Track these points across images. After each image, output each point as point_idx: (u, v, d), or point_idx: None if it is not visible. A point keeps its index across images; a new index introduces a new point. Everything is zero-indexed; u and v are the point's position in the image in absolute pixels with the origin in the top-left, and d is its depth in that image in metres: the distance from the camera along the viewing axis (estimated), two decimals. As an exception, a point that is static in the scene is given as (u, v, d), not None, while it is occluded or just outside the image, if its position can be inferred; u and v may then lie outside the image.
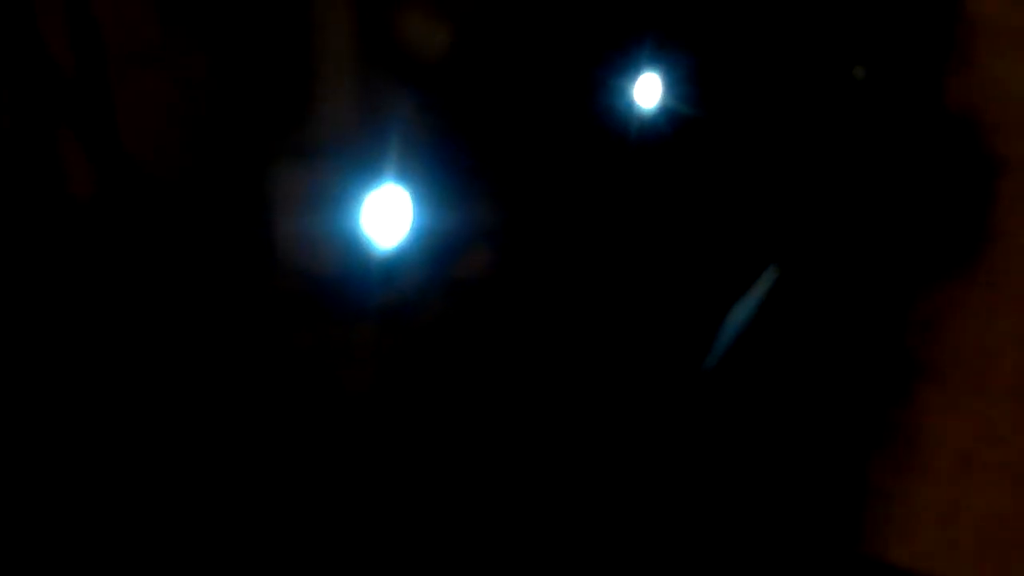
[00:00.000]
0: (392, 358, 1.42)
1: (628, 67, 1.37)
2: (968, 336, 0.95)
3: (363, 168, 1.31)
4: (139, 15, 1.24)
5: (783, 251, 1.26)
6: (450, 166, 1.37)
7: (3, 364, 1.13)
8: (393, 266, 1.35)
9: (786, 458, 1.20)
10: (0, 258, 1.17)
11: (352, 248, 1.31)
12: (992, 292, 0.92)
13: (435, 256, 1.40)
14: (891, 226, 1.12)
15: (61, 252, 1.22)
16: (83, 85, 1.22)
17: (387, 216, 1.32)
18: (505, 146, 1.40)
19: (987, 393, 0.93)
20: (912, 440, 0.99)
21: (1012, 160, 0.90)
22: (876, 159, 1.16)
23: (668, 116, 1.38)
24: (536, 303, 1.47)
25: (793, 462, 1.19)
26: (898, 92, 1.09)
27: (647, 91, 1.40)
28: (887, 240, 1.12)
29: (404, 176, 1.33)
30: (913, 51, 1.06)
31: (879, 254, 1.13)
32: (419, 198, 1.34)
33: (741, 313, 1.21)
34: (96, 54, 1.22)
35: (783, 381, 1.22)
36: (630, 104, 1.38)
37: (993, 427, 0.89)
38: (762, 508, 1.21)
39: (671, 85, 1.39)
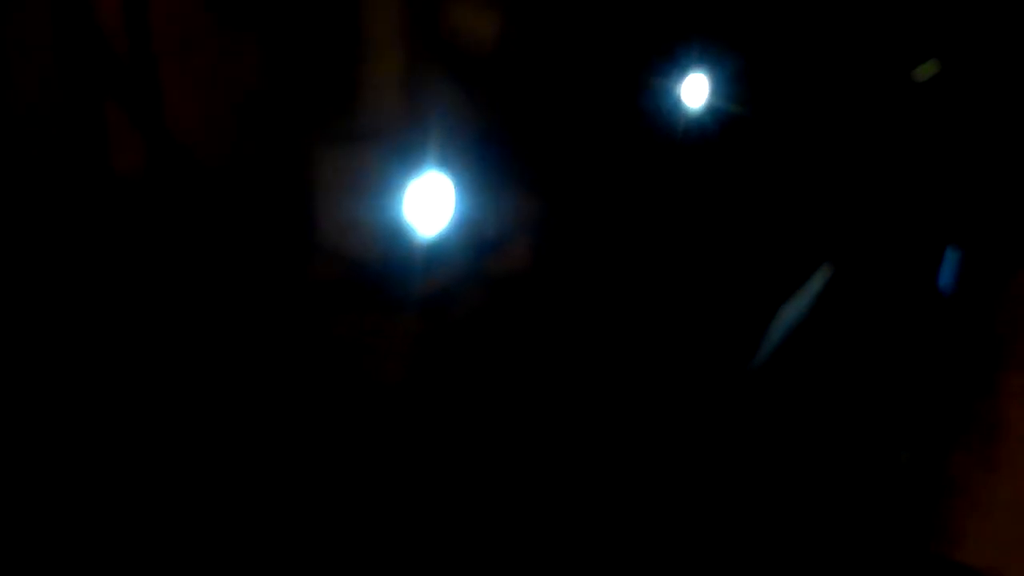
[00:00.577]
0: (432, 346, 1.42)
1: (675, 65, 1.36)
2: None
3: (408, 156, 1.31)
4: (184, 4, 1.26)
5: (837, 249, 1.24)
6: (494, 158, 1.37)
7: (48, 329, 1.15)
8: (434, 254, 1.35)
9: (845, 455, 1.18)
10: (48, 229, 1.18)
11: (395, 235, 1.32)
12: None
13: (476, 246, 1.40)
14: (958, 218, 1.10)
15: (106, 224, 1.23)
16: (134, 65, 1.24)
17: (430, 204, 1.32)
18: (549, 140, 1.40)
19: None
20: (992, 432, 0.95)
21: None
22: (938, 154, 1.14)
23: (716, 115, 1.37)
24: (577, 298, 1.46)
25: (854, 458, 1.17)
26: (966, 92, 1.08)
27: (695, 90, 1.39)
28: (956, 231, 1.10)
29: (448, 166, 1.33)
30: (989, 49, 1.04)
31: (945, 245, 1.11)
32: (462, 188, 1.34)
33: (793, 312, 1.19)
34: (145, 36, 1.24)
35: (847, 376, 1.20)
36: (677, 102, 1.37)
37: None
38: (826, 505, 1.19)
39: (720, 84, 1.38)
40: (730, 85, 1.39)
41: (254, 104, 1.33)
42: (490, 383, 1.50)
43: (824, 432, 1.19)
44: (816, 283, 1.17)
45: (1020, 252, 1.02)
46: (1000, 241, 1.07)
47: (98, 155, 1.21)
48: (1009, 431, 0.94)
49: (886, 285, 1.17)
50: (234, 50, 1.32)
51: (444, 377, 1.48)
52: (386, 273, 1.33)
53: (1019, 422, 0.96)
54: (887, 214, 1.19)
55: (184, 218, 1.29)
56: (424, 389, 1.46)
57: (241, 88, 1.32)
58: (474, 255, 1.41)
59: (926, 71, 1.06)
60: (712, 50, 1.38)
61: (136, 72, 1.25)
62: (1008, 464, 0.94)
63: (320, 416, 1.37)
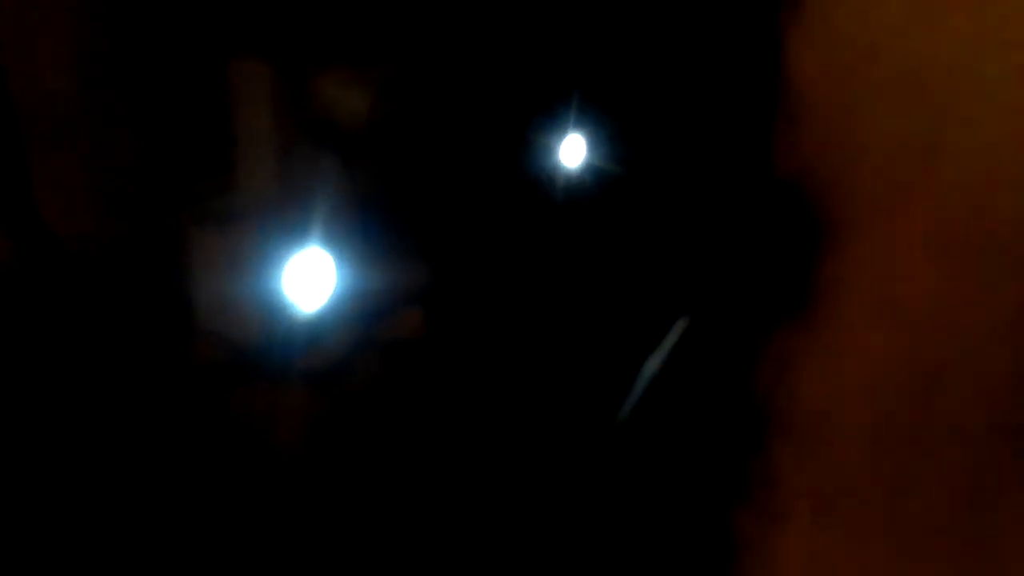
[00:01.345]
0: (321, 420, 1.42)
1: (552, 127, 1.39)
2: (814, 385, 0.95)
3: (284, 233, 1.32)
4: (56, 87, 1.26)
5: (692, 302, 1.27)
6: (375, 228, 1.39)
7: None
8: (317, 327, 1.36)
9: (664, 507, 1.21)
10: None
11: (275, 311, 1.32)
12: (834, 339, 0.94)
13: (360, 318, 1.40)
14: (739, 280, 1.14)
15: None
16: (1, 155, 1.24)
17: (309, 279, 1.32)
18: (431, 207, 1.42)
19: (837, 441, 0.93)
20: (772, 489, 0.98)
21: (843, 218, 0.91)
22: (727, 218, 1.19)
23: (591, 174, 1.40)
24: (465, 362, 1.47)
25: (670, 511, 1.20)
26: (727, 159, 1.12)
27: (573, 151, 1.42)
28: (739, 292, 1.14)
29: (326, 239, 1.34)
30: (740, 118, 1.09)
31: (735, 305, 1.14)
32: (342, 261, 1.34)
33: (653, 365, 1.22)
34: (11, 126, 1.23)
35: (672, 432, 1.23)
36: (556, 163, 1.40)
37: (848, 476, 0.89)
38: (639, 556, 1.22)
39: (597, 144, 1.41)
40: (606, 145, 1.42)
41: (127, 188, 1.33)
42: (387, 448, 1.51)
43: (653, 485, 1.22)
44: (672, 336, 1.20)
45: (774, 313, 1.04)
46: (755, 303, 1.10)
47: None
48: (784, 488, 0.96)
49: (715, 337, 1.20)
50: (107, 134, 1.32)
51: (340, 444, 1.48)
52: (268, 349, 1.33)
53: (791, 476, 0.99)
54: (736, 268, 1.22)
55: (58, 305, 1.28)
56: (320, 456, 1.46)
57: (114, 172, 1.32)
58: (361, 325, 1.42)
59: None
60: (589, 111, 1.41)
61: (3, 162, 1.25)
62: (790, 520, 0.96)
63: (215, 486, 1.36)
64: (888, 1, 0.78)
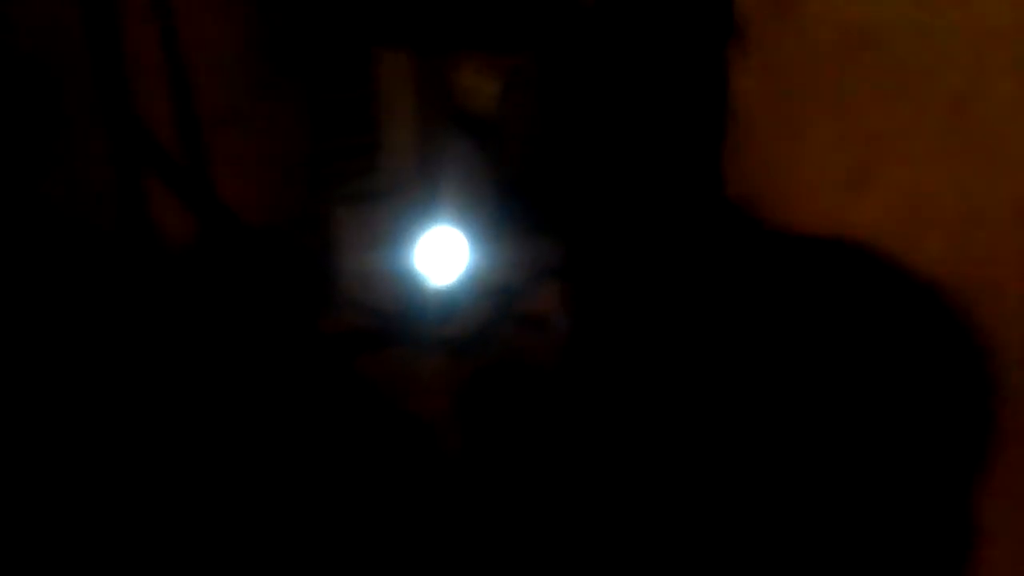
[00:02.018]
0: (459, 388, 1.52)
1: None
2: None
3: (423, 210, 1.42)
4: (230, 76, 1.43)
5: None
6: (508, 208, 1.46)
7: (96, 402, 1.33)
8: (453, 301, 1.45)
9: None
10: (105, 298, 1.37)
11: (412, 284, 1.43)
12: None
13: (495, 292, 1.49)
14: None
15: (159, 292, 1.41)
16: (182, 142, 1.42)
17: (445, 255, 1.43)
18: (562, 188, 1.47)
19: None
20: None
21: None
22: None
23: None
24: (599, 339, 1.52)
25: None
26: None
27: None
28: None
29: (461, 217, 1.43)
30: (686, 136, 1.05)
31: None
32: (476, 238, 1.43)
33: None
34: (191, 114, 1.41)
35: None
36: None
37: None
38: None
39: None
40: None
41: (288, 169, 1.48)
42: (524, 418, 1.59)
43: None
44: None
45: None
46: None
47: (145, 227, 1.39)
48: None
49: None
50: (273, 122, 1.48)
51: (477, 412, 1.57)
52: (407, 319, 1.44)
53: None
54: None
55: (230, 279, 1.46)
56: (459, 424, 1.57)
57: (278, 154, 1.48)
58: (497, 300, 1.50)
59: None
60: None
61: (185, 148, 1.43)
62: None
63: (359, 453, 1.50)
64: (823, 35, 0.76)
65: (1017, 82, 0.64)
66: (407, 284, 1.41)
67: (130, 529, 1.28)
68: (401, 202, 1.41)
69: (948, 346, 0.83)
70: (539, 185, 1.47)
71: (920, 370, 0.89)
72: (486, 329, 1.54)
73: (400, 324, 1.44)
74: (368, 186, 1.42)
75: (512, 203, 1.47)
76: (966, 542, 0.86)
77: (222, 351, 1.43)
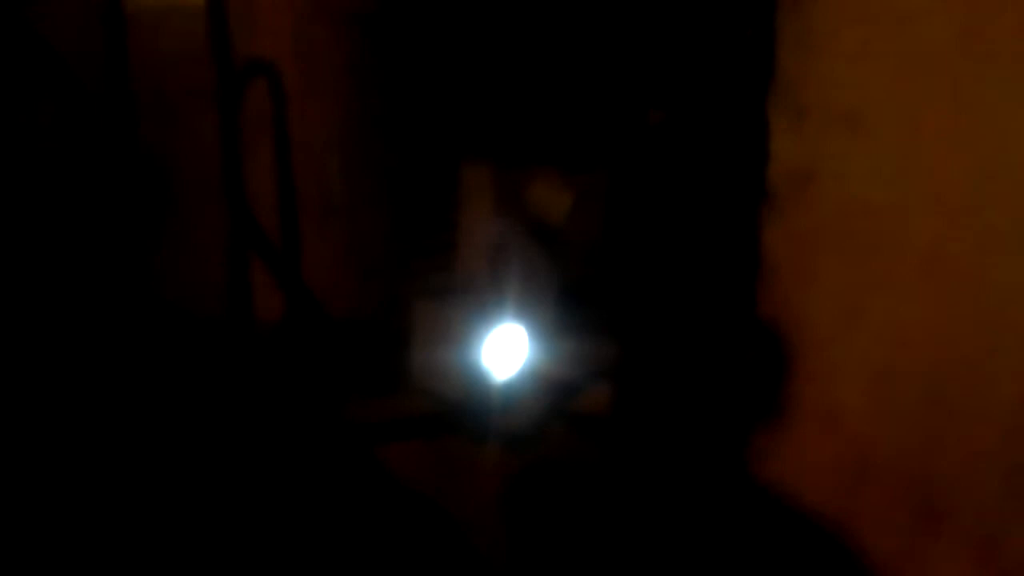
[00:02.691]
0: (512, 479, 1.60)
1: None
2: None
3: (491, 308, 1.54)
4: (327, 172, 1.59)
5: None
6: (569, 311, 1.58)
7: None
8: (512, 395, 1.56)
9: None
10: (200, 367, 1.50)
11: (477, 376, 1.54)
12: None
13: (554, 389, 1.59)
14: None
15: (246, 366, 1.53)
16: (283, 230, 1.57)
17: (507, 351, 1.54)
18: (620, 295, 1.59)
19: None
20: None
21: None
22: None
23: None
24: (649, 438, 1.60)
25: None
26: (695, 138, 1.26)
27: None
28: None
29: (525, 317, 1.55)
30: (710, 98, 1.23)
31: None
32: (537, 336, 1.55)
33: None
34: (292, 205, 1.56)
35: None
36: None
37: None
38: None
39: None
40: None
41: (374, 263, 1.62)
42: (571, 513, 1.66)
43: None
44: None
45: None
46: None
47: (247, 306, 1.53)
48: None
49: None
50: (362, 218, 1.63)
51: (528, 503, 1.65)
52: (469, 409, 1.54)
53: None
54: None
55: (314, 358, 1.58)
56: (510, 512, 1.64)
57: (365, 249, 1.62)
58: (553, 397, 1.60)
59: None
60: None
61: (283, 238, 1.58)
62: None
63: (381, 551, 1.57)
64: (829, 206, 0.99)
65: (978, 249, 0.89)
66: (472, 376, 1.52)
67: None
68: (472, 300, 1.53)
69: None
70: (599, 291, 1.59)
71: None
72: (540, 424, 1.63)
73: (461, 413, 1.55)
74: (444, 283, 1.54)
75: (574, 307, 1.59)
76: None
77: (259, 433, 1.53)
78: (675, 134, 1.38)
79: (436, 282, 1.55)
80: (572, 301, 1.59)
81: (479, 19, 1.60)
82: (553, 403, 1.62)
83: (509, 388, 1.54)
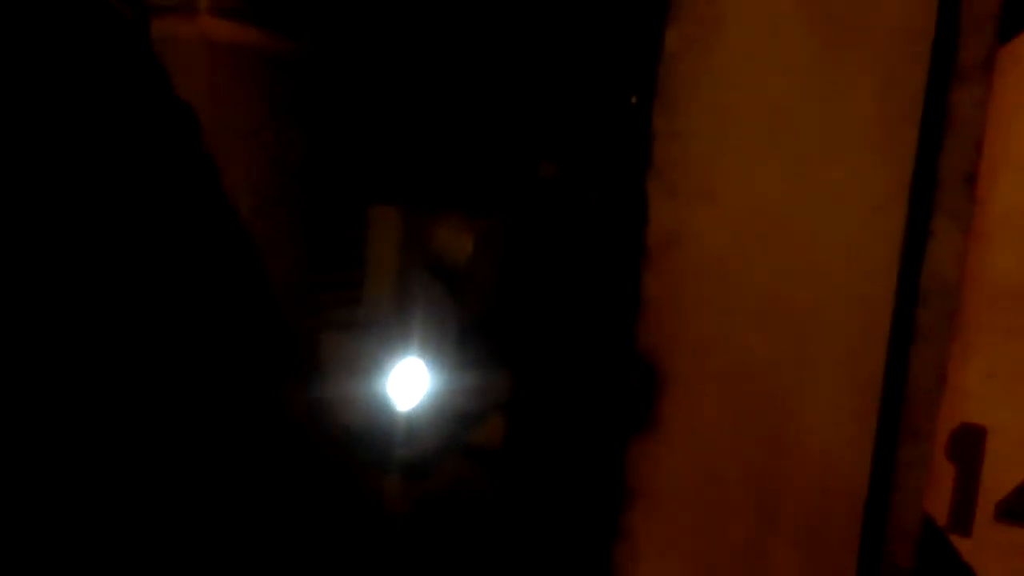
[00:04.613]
0: (411, 506, 1.68)
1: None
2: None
3: (393, 342, 1.63)
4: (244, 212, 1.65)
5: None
6: (469, 346, 1.67)
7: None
8: (411, 426, 1.64)
9: None
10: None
11: (378, 408, 1.62)
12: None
13: (452, 419, 1.68)
14: None
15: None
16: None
17: (409, 383, 1.62)
18: (516, 333, 1.69)
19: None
20: None
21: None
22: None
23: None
24: (540, 467, 1.70)
25: None
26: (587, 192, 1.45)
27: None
28: None
29: (427, 351, 1.64)
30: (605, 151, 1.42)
31: None
32: (438, 369, 1.64)
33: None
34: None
35: None
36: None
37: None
38: None
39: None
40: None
41: (285, 298, 1.68)
42: (465, 540, 1.74)
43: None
44: None
45: None
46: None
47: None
48: None
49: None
50: (277, 256, 1.69)
51: (426, 529, 1.73)
52: (371, 439, 1.62)
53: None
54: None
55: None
56: (409, 536, 1.71)
57: (276, 286, 1.68)
58: (450, 427, 1.69)
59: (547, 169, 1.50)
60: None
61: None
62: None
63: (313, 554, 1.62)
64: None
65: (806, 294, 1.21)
66: (374, 408, 1.60)
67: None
68: (378, 334, 1.61)
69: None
70: (497, 327, 1.70)
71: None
72: (439, 454, 1.72)
73: (363, 444, 1.62)
74: (350, 317, 1.62)
75: (474, 342, 1.69)
76: None
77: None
78: (567, 188, 1.51)
79: (343, 317, 1.62)
80: (472, 336, 1.69)
81: (391, 68, 1.71)
82: (452, 433, 1.71)
83: (410, 419, 1.63)
